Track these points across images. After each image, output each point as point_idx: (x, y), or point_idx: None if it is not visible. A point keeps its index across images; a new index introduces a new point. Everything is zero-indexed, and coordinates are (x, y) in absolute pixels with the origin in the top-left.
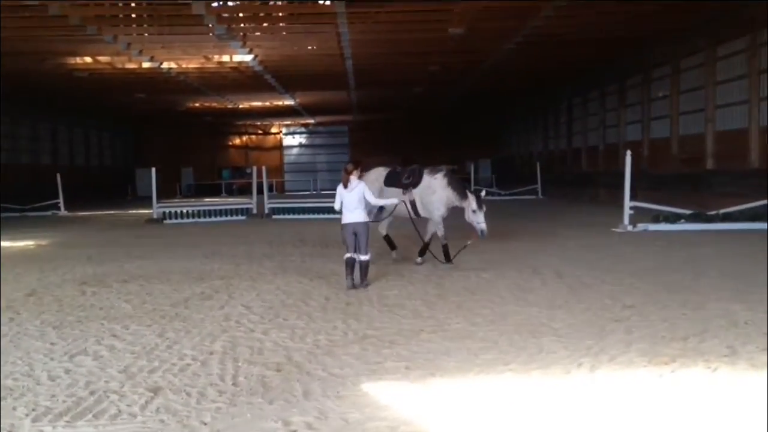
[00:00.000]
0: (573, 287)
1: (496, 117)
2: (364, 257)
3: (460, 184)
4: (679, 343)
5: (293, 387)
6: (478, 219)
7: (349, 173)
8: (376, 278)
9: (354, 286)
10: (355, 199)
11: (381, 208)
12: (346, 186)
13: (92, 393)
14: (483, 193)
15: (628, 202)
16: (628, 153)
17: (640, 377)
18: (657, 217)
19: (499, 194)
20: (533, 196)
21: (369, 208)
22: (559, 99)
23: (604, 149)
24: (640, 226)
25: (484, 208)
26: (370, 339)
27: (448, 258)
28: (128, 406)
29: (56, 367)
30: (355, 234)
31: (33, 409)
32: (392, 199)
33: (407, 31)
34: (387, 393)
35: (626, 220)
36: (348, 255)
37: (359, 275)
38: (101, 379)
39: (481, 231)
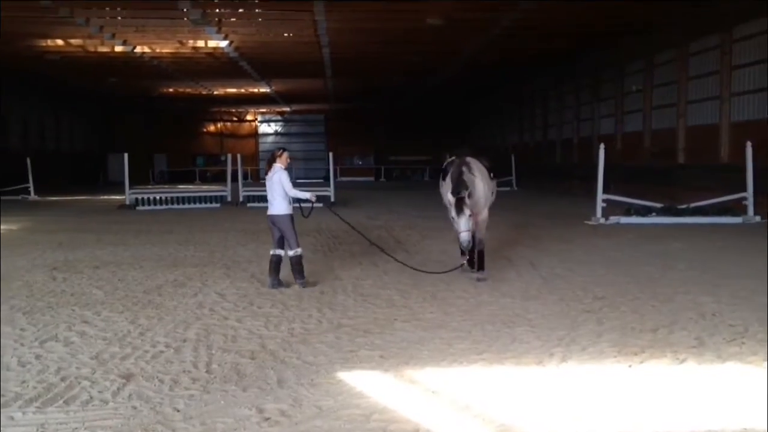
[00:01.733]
0: (546, 278)
1: (472, 107)
2: (291, 252)
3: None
4: (648, 335)
5: (267, 375)
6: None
7: (274, 159)
8: (351, 267)
9: (277, 285)
10: (274, 188)
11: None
12: (266, 173)
13: (63, 379)
14: (466, 194)
15: (600, 195)
16: (602, 146)
17: (610, 367)
18: (628, 210)
19: None
20: (508, 188)
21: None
22: (535, 91)
23: (579, 142)
24: (613, 219)
25: (467, 212)
26: (345, 328)
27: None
28: (100, 392)
29: (26, 353)
30: (278, 227)
31: (2, 395)
32: (307, 192)
33: (385, 21)
34: (361, 381)
35: (599, 213)
36: (271, 251)
37: (294, 273)
38: (72, 366)
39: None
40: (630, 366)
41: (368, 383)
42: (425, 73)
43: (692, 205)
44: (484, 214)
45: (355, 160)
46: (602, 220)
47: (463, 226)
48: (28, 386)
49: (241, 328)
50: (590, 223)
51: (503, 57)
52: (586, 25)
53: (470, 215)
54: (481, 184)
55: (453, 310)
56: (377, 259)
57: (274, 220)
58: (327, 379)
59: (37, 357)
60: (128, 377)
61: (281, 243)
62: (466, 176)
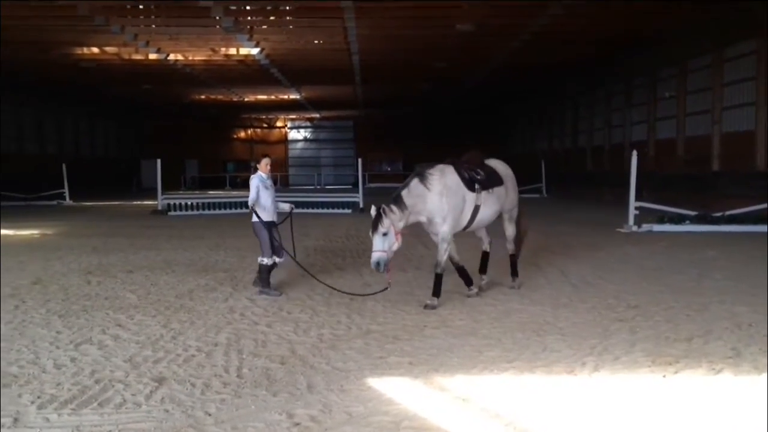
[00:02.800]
0: (577, 286)
1: (501, 115)
2: (258, 258)
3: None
4: (683, 344)
5: (297, 380)
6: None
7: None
8: (379, 273)
9: (265, 291)
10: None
11: None
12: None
13: (97, 382)
14: (387, 210)
15: (633, 203)
16: (634, 153)
17: (643, 377)
18: (662, 218)
19: None
20: (537, 195)
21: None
22: (565, 98)
23: (610, 149)
24: (645, 227)
25: (381, 231)
26: (374, 334)
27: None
28: (133, 395)
29: (62, 355)
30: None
31: (38, 397)
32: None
33: (415, 28)
34: (391, 388)
35: (631, 221)
36: (269, 260)
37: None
38: (106, 368)
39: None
40: (664, 376)
41: (398, 390)
42: (454, 79)
43: (727, 213)
44: (443, 230)
45: (383, 166)
46: (635, 228)
47: (375, 245)
48: (63, 388)
49: (271, 333)
50: (622, 230)
51: (533, 63)
52: (617, 31)
53: (386, 234)
54: (437, 198)
55: (483, 318)
56: (406, 264)
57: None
58: (356, 385)
59: (72, 360)
60: (161, 381)
61: (272, 249)
62: (411, 189)
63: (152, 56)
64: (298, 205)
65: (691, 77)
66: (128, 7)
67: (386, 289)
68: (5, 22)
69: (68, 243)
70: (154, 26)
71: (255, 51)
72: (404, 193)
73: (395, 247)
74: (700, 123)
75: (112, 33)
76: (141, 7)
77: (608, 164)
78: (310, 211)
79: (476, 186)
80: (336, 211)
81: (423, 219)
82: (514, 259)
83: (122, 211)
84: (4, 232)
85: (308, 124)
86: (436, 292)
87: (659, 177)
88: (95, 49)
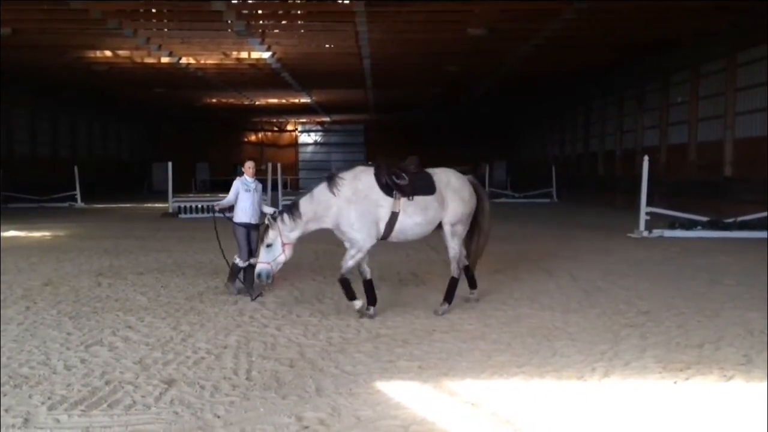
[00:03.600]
0: (587, 291)
1: (512, 119)
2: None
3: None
4: (694, 351)
5: (306, 383)
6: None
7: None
8: (389, 277)
9: (238, 292)
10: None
11: None
12: None
13: (107, 383)
14: (273, 217)
15: (644, 208)
16: (646, 158)
17: (654, 383)
18: (673, 224)
19: (514, 197)
20: (548, 200)
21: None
22: (577, 102)
23: (621, 154)
24: (656, 232)
25: (266, 241)
26: (383, 338)
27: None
28: (143, 397)
29: (72, 356)
30: (252, 237)
31: (49, 398)
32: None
33: (426, 32)
34: (399, 392)
35: (642, 226)
36: (245, 262)
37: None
38: (116, 370)
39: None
40: (675, 382)
41: (407, 394)
42: (466, 83)
43: (739, 219)
44: (355, 237)
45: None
46: (645, 233)
47: (260, 256)
48: (73, 389)
49: (281, 336)
50: (633, 235)
51: (545, 67)
52: (629, 36)
53: (270, 245)
54: (344, 205)
55: (492, 322)
56: (417, 269)
57: None
58: (365, 388)
59: (83, 361)
60: (170, 382)
61: (249, 252)
62: (314, 196)
63: (164, 60)
64: None
65: (703, 82)
66: (141, 10)
67: (260, 295)
68: (20, 26)
69: (79, 245)
70: (166, 30)
71: (266, 55)
72: (303, 200)
73: (281, 259)
74: (713, 128)
75: (125, 36)
76: (154, 10)
77: (620, 169)
78: None
79: (394, 192)
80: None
81: (328, 226)
82: (468, 272)
83: (133, 214)
84: (15, 233)
85: (319, 127)
86: (350, 295)
87: (671, 182)
88: (108, 53)
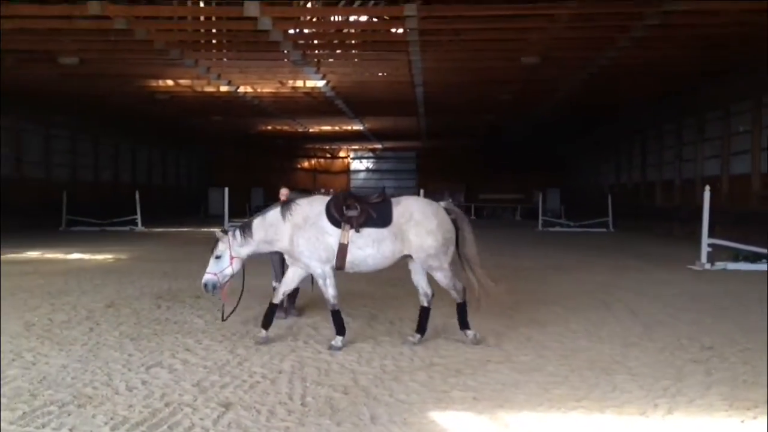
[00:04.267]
0: (647, 325)
1: (566, 146)
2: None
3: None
4: (761, 389)
5: (360, 411)
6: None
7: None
8: (440, 306)
9: (285, 316)
10: None
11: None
12: None
13: (167, 405)
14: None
15: (706, 239)
16: (707, 188)
17: (720, 422)
18: (736, 256)
19: (569, 225)
20: (604, 229)
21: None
22: (633, 130)
23: (681, 183)
24: (719, 265)
25: (215, 253)
26: (437, 367)
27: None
28: (201, 419)
29: (133, 378)
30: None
31: (111, 418)
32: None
33: (480, 60)
34: (454, 423)
35: (704, 258)
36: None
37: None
38: (175, 392)
39: None
40: (743, 421)
41: (462, 425)
42: (519, 111)
43: None
44: (311, 264)
45: (445, 197)
46: (707, 266)
47: (208, 266)
48: (134, 410)
49: (334, 362)
50: (694, 267)
51: (600, 95)
52: (688, 63)
53: (219, 257)
54: (290, 230)
55: (548, 354)
56: (468, 296)
57: None
58: (420, 418)
59: (144, 382)
60: (227, 406)
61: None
62: (266, 218)
63: (223, 88)
64: None
65: (766, 111)
66: (202, 41)
67: (224, 309)
68: (87, 56)
69: (140, 267)
70: (225, 59)
71: (321, 83)
72: (256, 221)
73: (228, 271)
74: None
75: (186, 66)
76: (214, 41)
77: (679, 199)
78: None
79: (342, 223)
80: None
81: (281, 250)
82: (459, 308)
83: (191, 238)
84: (80, 256)
85: (371, 154)
86: (339, 330)
87: (733, 213)
88: (170, 82)
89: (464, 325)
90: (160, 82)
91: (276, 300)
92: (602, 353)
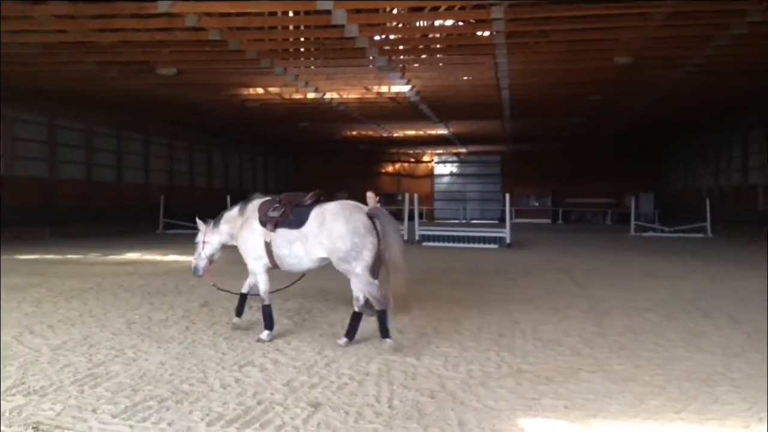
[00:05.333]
0: (750, 335)
1: (660, 149)
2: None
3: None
4: None
5: (448, 415)
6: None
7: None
8: (529, 311)
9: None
10: None
11: None
12: None
13: (259, 403)
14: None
15: None
16: None
17: None
18: None
19: (663, 231)
20: (701, 234)
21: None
22: (733, 131)
23: None
24: None
25: (196, 239)
26: (525, 374)
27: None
28: (291, 418)
29: (227, 375)
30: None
31: (207, 414)
32: None
33: (569, 61)
34: (545, 431)
35: None
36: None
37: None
38: (267, 391)
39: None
40: None
41: None
42: (609, 112)
43: None
44: (246, 262)
45: (530, 201)
46: None
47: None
48: (229, 407)
49: (420, 366)
50: None
51: (696, 96)
52: None
53: (197, 243)
54: (239, 226)
55: (644, 363)
56: (557, 303)
57: None
58: (509, 425)
59: (237, 380)
60: (316, 406)
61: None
62: (229, 213)
63: (310, 95)
64: (444, 239)
65: None
66: (291, 49)
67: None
68: (184, 66)
69: (231, 269)
70: (313, 67)
71: (406, 88)
72: (225, 214)
73: (202, 255)
74: None
75: (276, 74)
76: (302, 49)
77: None
78: (456, 245)
79: (265, 222)
80: (482, 245)
81: (237, 243)
82: (379, 315)
83: None
84: (176, 258)
85: (455, 158)
86: (268, 325)
87: None
88: (260, 90)
89: (384, 333)
90: (251, 90)
91: (244, 289)
92: (702, 363)
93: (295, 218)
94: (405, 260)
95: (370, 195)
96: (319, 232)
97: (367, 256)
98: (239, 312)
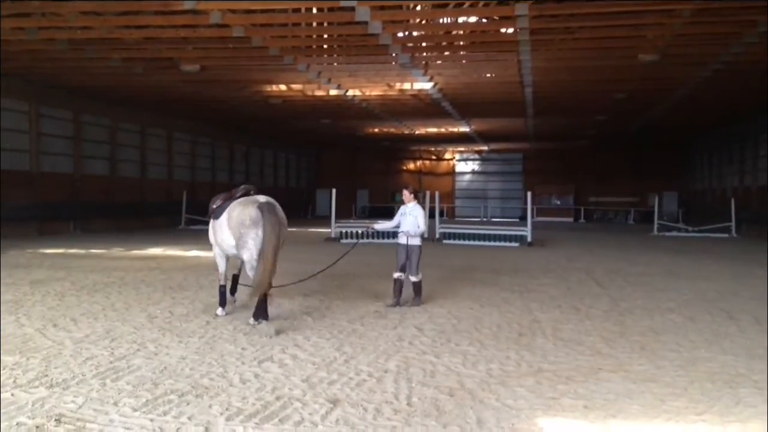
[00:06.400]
0: None
1: (685, 147)
2: (414, 278)
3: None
4: None
5: (466, 413)
6: None
7: (411, 194)
8: (549, 309)
9: (397, 304)
10: (412, 221)
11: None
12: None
13: (278, 398)
14: None
15: None
16: None
17: None
18: None
19: (686, 230)
20: (726, 235)
21: (421, 231)
22: (758, 130)
23: None
24: None
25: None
26: (545, 373)
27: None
28: (310, 414)
29: (246, 371)
30: (408, 255)
31: (226, 409)
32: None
33: (594, 59)
34: (564, 430)
35: None
36: (397, 274)
37: (412, 294)
38: (286, 386)
39: None
40: None
41: None
42: (633, 110)
43: None
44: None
45: (552, 200)
46: None
47: None
48: (248, 402)
49: (439, 364)
50: None
51: (722, 94)
52: None
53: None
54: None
55: (665, 364)
56: (578, 302)
57: (407, 249)
58: (528, 424)
59: (256, 376)
60: (335, 402)
61: (404, 267)
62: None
63: (333, 92)
64: (464, 237)
65: None
66: (314, 46)
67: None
68: (207, 63)
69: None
70: (335, 64)
71: (428, 85)
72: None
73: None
74: None
75: (299, 71)
76: (325, 46)
77: None
78: (477, 243)
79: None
80: (503, 244)
81: None
82: (258, 300)
83: (299, 238)
84: (198, 253)
85: (476, 156)
86: (221, 302)
87: None
88: (283, 87)
89: (258, 315)
90: (274, 87)
91: (221, 281)
92: (725, 365)
93: (219, 211)
94: (279, 252)
95: (406, 192)
96: (226, 223)
97: (251, 245)
98: (231, 291)
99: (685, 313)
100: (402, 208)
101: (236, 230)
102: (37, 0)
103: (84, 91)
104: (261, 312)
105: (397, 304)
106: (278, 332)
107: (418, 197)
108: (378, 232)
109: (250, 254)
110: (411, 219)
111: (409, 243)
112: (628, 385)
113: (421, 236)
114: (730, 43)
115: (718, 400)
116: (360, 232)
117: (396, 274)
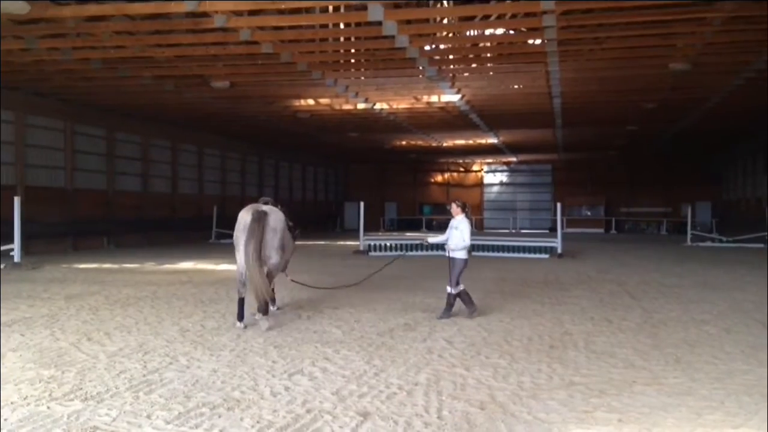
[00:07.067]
0: None
1: (718, 157)
2: (451, 289)
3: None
4: None
5: (498, 427)
6: None
7: (459, 207)
8: (581, 321)
9: (447, 317)
10: (458, 235)
11: None
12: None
13: (308, 411)
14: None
15: None
16: None
17: None
18: None
19: (720, 240)
20: (761, 245)
21: (465, 245)
22: None
23: None
24: None
25: None
26: (577, 386)
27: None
28: (340, 427)
29: (277, 384)
30: (450, 267)
31: (258, 422)
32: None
33: (623, 68)
34: None
35: None
36: (448, 288)
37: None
38: (316, 399)
39: None
40: None
41: None
42: (664, 120)
43: None
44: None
45: (582, 210)
46: None
47: None
48: (278, 415)
49: (470, 377)
50: None
51: (756, 102)
52: None
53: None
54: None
55: (701, 377)
56: (610, 314)
57: (452, 262)
58: None
59: (286, 389)
60: (365, 415)
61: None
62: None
63: (360, 106)
64: (493, 249)
65: None
66: (341, 61)
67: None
68: (237, 79)
69: (281, 279)
70: (363, 78)
71: (456, 98)
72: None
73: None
74: None
75: (326, 86)
76: (353, 60)
77: None
78: (506, 255)
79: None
80: (533, 255)
81: None
82: (239, 300)
83: (328, 251)
84: (227, 267)
85: (505, 167)
86: (239, 315)
87: None
88: (311, 101)
89: (240, 316)
90: (302, 102)
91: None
92: (762, 377)
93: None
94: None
95: (454, 206)
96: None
97: (241, 248)
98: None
99: (721, 324)
100: (451, 222)
101: (234, 234)
102: (71, 21)
103: (117, 108)
104: (262, 308)
105: (448, 316)
106: (270, 328)
107: (467, 211)
108: (431, 245)
109: (240, 256)
110: (457, 233)
111: (451, 255)
112: (663, 398)
113: (468, 250)
114: (762, 50)
115: (756, 413)
116: (392, 244)
117: (448, 289)
